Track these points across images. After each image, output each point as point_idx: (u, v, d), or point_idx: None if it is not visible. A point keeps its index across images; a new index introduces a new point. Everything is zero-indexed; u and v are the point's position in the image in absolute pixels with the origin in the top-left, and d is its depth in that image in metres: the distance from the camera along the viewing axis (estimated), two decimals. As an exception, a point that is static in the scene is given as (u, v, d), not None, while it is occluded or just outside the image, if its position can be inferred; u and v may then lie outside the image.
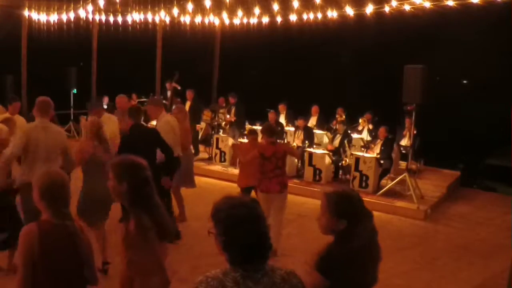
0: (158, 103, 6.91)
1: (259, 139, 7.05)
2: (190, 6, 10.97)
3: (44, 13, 11.88)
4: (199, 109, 12.54)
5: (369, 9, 9.78)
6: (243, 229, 2.00)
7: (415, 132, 9.44)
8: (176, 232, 6.19)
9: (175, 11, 11.59)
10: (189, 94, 12.45)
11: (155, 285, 2.99)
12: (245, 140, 10.37)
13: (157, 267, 2.98)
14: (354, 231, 2.63)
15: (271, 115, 11.27)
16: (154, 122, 7.48)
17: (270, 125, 6.86)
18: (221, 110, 12.51)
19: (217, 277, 2.00)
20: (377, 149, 9.72)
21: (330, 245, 2.69)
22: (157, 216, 2.93)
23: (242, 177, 6.90)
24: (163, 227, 2.95)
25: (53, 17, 11.85)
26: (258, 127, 11.49)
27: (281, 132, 11.14)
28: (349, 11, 10.16)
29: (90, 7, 11.17)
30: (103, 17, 13.00)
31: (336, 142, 10.70)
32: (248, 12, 11.98)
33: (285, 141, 10.73)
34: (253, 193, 6.70)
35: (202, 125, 12.28)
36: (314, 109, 12.03)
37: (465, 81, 23.40)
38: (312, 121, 11.82)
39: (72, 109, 14.03)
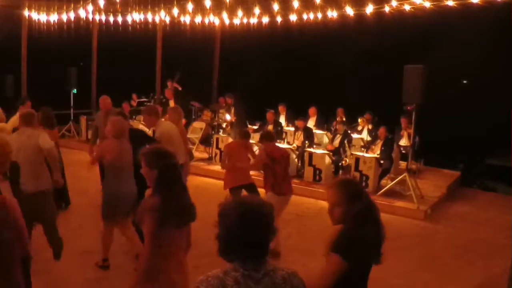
0: (152, 112, 6.54)
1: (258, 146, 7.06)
2: (190, 6, 10.96)
3: (44, 13, 11.88)
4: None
5: (369, 9, 9.78)
6: (245, 226, 2.01)
7: (414, 132, 9.43)
8: None
9: (175, 11, 11.58)
10: (168, 93, 12.56)
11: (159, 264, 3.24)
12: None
13: (159, 248, 3.21)
14: (366, 210, 2.77)
15: (269, 115, 11.24)
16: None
17: (267, 131, 6.95)
18: (221, 110, 12.51)
19: (217, 276, 2.01)
20: (377, 149, 9.73)
21: (345, 227, 2.76)
22: (178, 200, 3.22)
23: (229, 178, 6.73)
24: (182, 212, 3.22)
25: (53, 17, 11.85)
26: (256, 127, 11.55)
27: (281, 132, 11.14)
28: (349, 11, 10.16)
29: (90, 7, 11.17)
30: (103, 17, 13.01)
31: (336, 142, 10.70)
32: (248, 12, 11.98)
33: (285, 141, 10.73)
34: (244, 192, 6.69)
35: (202, 125, 12.29)
36: (312, 110, 11.96)
37: (465, 81, 23.39)
38: (311, 123, 11.77)
39: (72, 109, 14.02)
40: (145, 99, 14.66)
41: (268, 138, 6.41)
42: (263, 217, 2.05)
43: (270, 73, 20.01)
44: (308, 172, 9.80)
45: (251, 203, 2.09)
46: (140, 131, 7.11)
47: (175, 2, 10.97)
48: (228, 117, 11.99)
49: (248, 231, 2.01)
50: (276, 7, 10.45)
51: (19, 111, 7.46)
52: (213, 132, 11.79)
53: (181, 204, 3.23)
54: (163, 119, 6.91)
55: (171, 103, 12.16)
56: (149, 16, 12.90)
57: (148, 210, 3.16)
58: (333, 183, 2.88)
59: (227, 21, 13.48)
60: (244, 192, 6.67)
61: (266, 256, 2.07)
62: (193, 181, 7.36)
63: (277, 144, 6.99)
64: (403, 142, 10.67)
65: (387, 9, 10.00)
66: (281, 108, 12.33)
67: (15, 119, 7.11)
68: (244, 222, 2.02)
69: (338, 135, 10.78)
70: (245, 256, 2.02)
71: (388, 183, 9.39)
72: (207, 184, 9.62)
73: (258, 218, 2.04)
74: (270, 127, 10.95)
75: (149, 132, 7.98)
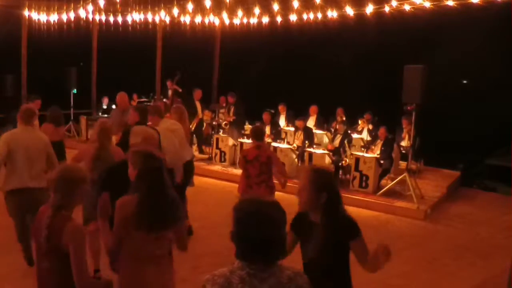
0: (153, 112, 6.44)
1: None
2: (190, 6, 10.97)
3: (44, 13, 11.88)
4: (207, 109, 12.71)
5: (369, 9, 9.78)
6: (254, 225, 2.02)
7: (414, 132, 9.44)
8: (188, 228, 6.25)
9: (175, 11, 11.59)
10: (197, 93, 12.47)
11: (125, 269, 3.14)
12: (246, 140, 10.39)
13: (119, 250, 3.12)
14: (336, 205, 2.91)
15: (265, 115, 11.20)
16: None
17: (258, 128, 6.45)
18: (222, 110, 12.50)
19: (223, 275, 2.03)
20: (377, 149, 9.73)
21: (333, 216, 2.91)
22: (152, 204, 3.04)
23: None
24: (154, 217, 3.03)
25: (53, 17, 11.85)
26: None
27: (279, 133, 11.13)
28: (349, 11, 10.16)
29: (90, 7, 11.18)
30: (103, 17, 13.01)
31: (336, 142, 10.70)
32: (248, 12, 11.99)
33: (285, 141, 10.72)
34: None
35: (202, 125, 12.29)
36: (313, 109, 11.96)
37: (465, 81, 23.41)
38: (311, 121, 11.78)
39: (72, 109, 14.04)
40: (145, 99, 14.67)
41: (254, 136, 6.04)
42: (275, 219, 2.07)
43: (270, 73, 20.04)
44: (308, 172, 9.77)
45: (263, 204, 2.10)
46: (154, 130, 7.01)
47: (175, 2, 10.98)
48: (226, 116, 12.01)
49: (274, 230, 2.03)
50: (276, 7, 10.46)
51: None
52: (213, 132, 11.79)
53: (155, 209, 3.07)
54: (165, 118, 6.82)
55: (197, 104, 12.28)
56: (149, 16, 12.90)
57: (122, 206, 3.08)
58: (308, 168, 3.03)
59: (227, 21, 13.48)
60: None
61: (275, 257, 2.06)
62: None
63: (275, 144, 6.82)
64: (404, 142, 10.67)
65: (387, 9, 10.00)
66: (281, 108, 12.32)
67: None
68: (253, 221, 2.03)
69: (338, 135, 10.78)
70: (265, 255, 2.02)
71: (388, 183, 9.39)
72: (207, 184, 9.61)
73: (269, 219, 2.06)
74: (267, 128, 10.91)
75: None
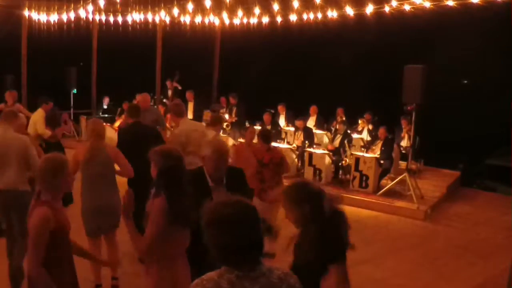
0: (177, 112, 6.34)
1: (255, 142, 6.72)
2: (190, 6, 10.97)
3: (44, 13, 11.88)
4: (199, 110, 12.64)
5: (369, 9, 9.79)
6: (227, 229, 1.98)
7: (414, 132, 9.44)
8: None
9: (175, 11, 11.60)
10: (189, 95, 12.50)
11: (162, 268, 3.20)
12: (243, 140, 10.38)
13: (162, 249, 3.18)
14: (318, 210, 2.77)
15: (266, 116, 11.21)
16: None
17: (266, 131, 6.50)
18: (222, 111, 12.51)
19: (212, 279, 1.98)
20: (377, 149, 9.73)
21: (312, 236, 2.75)
22: (177, 202, 3.14)
23: None
24: (178, 213, 3.14)
25: (53, 17, 11.85)
26: (258, 127, 11.54)
27: (279, 133, 11.14)
28: (349, 11, 10.17)
29: (90, 7, 11.17)
30: (103, 17, 13.01)
31: (336, 142, 10.71)
32: (248, 12, 11.99)
33: (285, 141, 10.72)
34: None
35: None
36: (313, 109, 11.98)
37: (465, 81, 23.39)
38: (311, 121, 11.79)
39: (72, 109, 14.03)
40: (145, 99, 14.64)
41: (263, 139, 6.04)
42: (247, 217, 2.02)
43: (270, 73, 20.02)
44: (308, 172, 9.80)
45: (230, 205, 2.03)
46: (150, 129, 6.91)
47: (175, 2, 10.98)
48: (226, 116, 11.99)
49: (252, 231, 1.99)
50: (276, 7, 10.46)
51: (42, 109, 7.93)
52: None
53: (183, 205, 3.17)
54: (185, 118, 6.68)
55: (190, 105, 12.36)
56: (149, 16, 12.91)
57: (158, 211, 3.13)
58: (283, 191, 2.93)
59: (227, 21, 13.49)
60: None
61: (259, 255, 2.04)
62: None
63: (275, 144, 6.78)
64: (404, 142, 10.67)
65: (387, 9, 10.01)
66: (280, 108, 12.32)
67: (38, 116, 7.65)
68: (226, 225, 1.98)
69: (338, 135, 10.78)
70: (250, 255, 2.00)
71: (388, 183, 9.39)
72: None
73: (241, 219, 2.00)
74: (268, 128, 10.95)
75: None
